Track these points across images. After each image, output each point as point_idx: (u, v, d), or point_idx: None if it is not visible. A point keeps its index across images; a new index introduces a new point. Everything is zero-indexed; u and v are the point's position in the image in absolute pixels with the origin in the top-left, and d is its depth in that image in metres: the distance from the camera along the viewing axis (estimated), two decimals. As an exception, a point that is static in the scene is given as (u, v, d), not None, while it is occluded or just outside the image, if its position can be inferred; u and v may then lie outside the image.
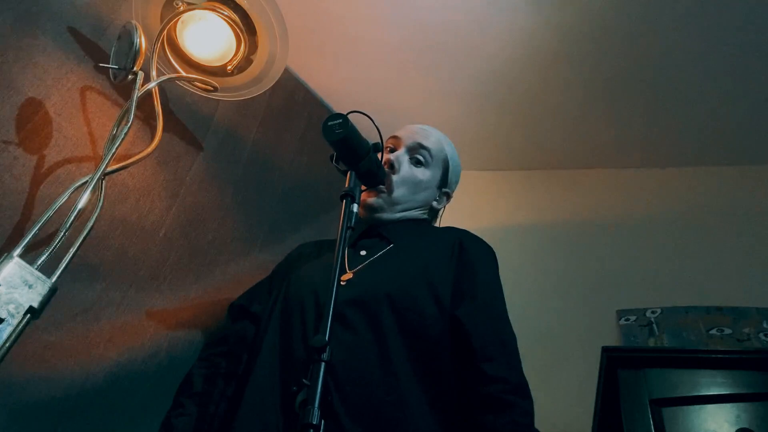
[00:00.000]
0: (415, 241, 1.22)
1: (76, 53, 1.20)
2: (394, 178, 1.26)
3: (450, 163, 1.37)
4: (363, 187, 0.97)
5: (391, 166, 1.28)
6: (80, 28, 1.22)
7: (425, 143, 1.32)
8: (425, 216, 1.36)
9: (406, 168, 1.29)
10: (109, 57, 1.20)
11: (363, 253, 1.20)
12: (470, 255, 1.19)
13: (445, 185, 1.37)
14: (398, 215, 1.28)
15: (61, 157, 1.13)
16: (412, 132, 1.35)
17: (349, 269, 1.15)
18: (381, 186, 1.22)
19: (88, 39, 1.24)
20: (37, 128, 1.10)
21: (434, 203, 1.35)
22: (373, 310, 1.04)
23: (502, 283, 1.21)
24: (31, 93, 1.10)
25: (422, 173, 1.30)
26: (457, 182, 1.43)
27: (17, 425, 0.96)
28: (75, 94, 1.18)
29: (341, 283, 1.09)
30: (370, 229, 1.26)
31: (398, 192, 1.26)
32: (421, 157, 1.31)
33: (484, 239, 1.27)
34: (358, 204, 0.92)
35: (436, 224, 1.40)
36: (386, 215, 1.27)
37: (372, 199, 1.26)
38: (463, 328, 1.04)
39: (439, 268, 1.14)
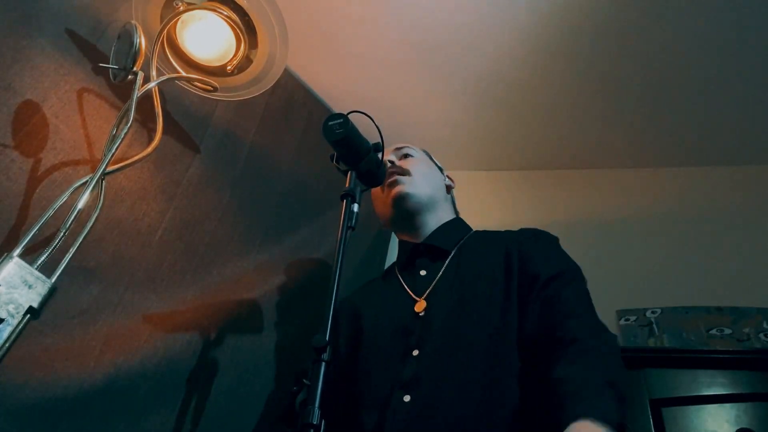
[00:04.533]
0: (470, 251, 1.23)
1: (74, 55, 1.20)
2: (402, 164, 1.33)
3: (429, 153, 1.49)
4: (366, 189, 0.98)
5: (391, 162, 1.34)
6: (78, 29, 1.22)
7: (402, 145, 1.44)
8: (452, 209, 1.40)
9: (405, 161, 1.37)
10: (107, 59, 1.20)
11: (423, 273, 1.21)
12: (528, 247, 1.18)
13: (440, 168, 1.47)
14: (427, 192, 1.31)
15: (58, 159, 1.13)
16: (388, 149, 1.43)
17: (417, 295, 1.16)
18: (395, 176, 1.29)
19: (86, 41, 1.23)
20: (35, 130, 1.10)
21: (446, 182, 1.43)
22: (463, 335, 1.05)
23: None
24: (28, 95, 1.10)
25: (418, 160, 1.39)
26: None
27: (15, 427, 0.96)
28: (72, 96, 1.18)
29: (419, 313, 1.11)
30: (417, 246, 1.27)
31: (415, 171, 1.32)
32: (407, 154, 1.40)
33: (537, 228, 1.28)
34: (359, 204, 0.92)
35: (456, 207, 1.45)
36: (420, 195, 1.29)
37: (400, 188, 1.28)
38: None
39: (501, 273, 1.13)
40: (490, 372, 0.99)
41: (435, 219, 1.31)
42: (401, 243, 1.36)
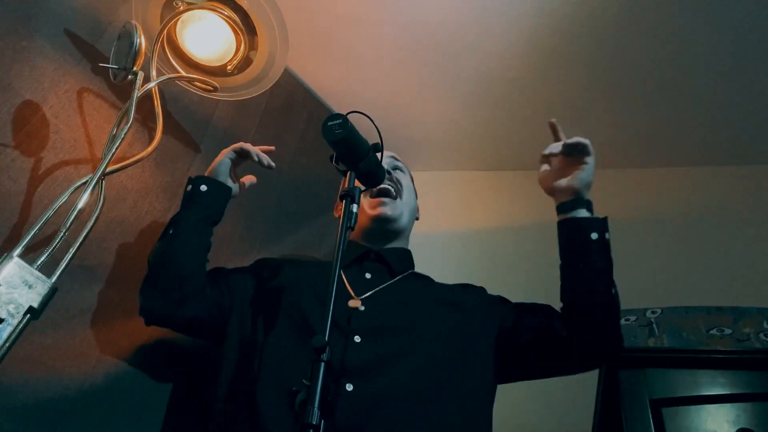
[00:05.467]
0: (419, 281, 1.28)
1: (73, 55, 1.20)
2: (397, 185, 1.33)
3: (410, 172, 1.47)
4: (361, 186, 0.97)
5: (388, 172, 1.32)
6: (78, 29, 1.22)
7: (395, 155, 1.43)
8: (408, 240, 1.39)
9: (398, 175, 1.37)
10: (106, 59, 1.20)
11: (368, 276, 1.22)
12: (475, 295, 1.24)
13: (416, 195, 1.45)
14: (406, 221, 1.33)
15: (58, 159, 1.13)
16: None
17: (355, 293, 1.16)
18: (385, 197, 1.29)
19: (85, 41, 1.23)
20: (35, 130, 1.10)
21: (416, 213, 1.42)
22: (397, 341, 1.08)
23: (501, 282, 1.32)
24: (28, 95, 1.10)
25: (407, 178, 1.40)
26: None
27: (15, 427, 0.96)
28: (72, 96, 1.18)
29: (355, 308, 1.12)
30: (369, 252, 1.28)
31: (404, 195, 1.34)
32: (399, 167, 1.40)
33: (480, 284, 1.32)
34: (358, 204, 0.92)
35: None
36: (401, 223, 1.31)
37: (387, 210, 1.28)
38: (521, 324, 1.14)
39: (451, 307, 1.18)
40: (441, 380, 1.03)
41: (397, 243, 1.33)
42: (351, 243, 1.32)
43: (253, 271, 1.26)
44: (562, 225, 1.13)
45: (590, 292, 1.06)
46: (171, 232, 1.15)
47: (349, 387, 0.98)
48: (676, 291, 1.81)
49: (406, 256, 1.33)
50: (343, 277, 1.20)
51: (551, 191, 1.15)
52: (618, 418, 1.23)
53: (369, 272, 1.23)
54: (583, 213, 1.11)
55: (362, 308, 1.12)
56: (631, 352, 1.39)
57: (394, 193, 1.30)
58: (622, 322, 1.80)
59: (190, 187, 1.20)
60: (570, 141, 1.11)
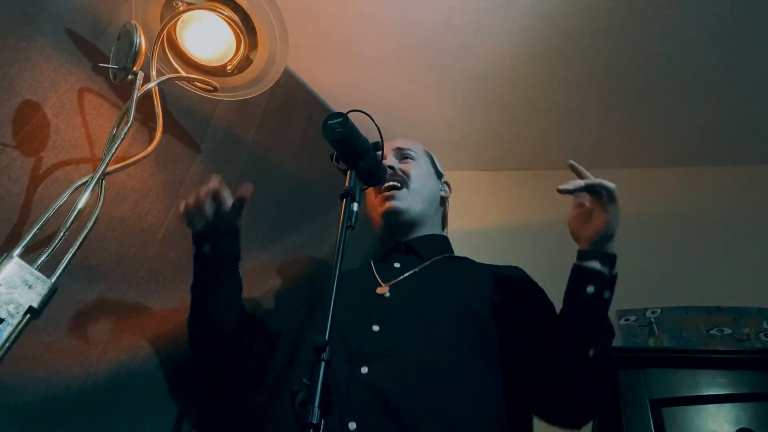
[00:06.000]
0: (450, 264, 1.26)
1: (74, 55, 1.20)
2: (402, 175, 1.33)
3: (432, 155, 1.47)
4: (363, 187, 0.97)
5: (389, 168, 1.32)
6: (78, 29, 1.22)
7: (404, 145, 1.41)
8: (440, 224, 1.40)
9: (405, 166, 1.36)
10: (107, 59, 1.20)
11: (397, 265, 1.24)
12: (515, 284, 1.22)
13: (440, 175, 1.45)
14: (420, 209, 1.31)
15: (58, 158, 1.13)
16: (388, 145, 1.41)
17: (384, 282, 1.18)
18: (394, 185, 1.29)
19: (86, 40, 1.23)
20: (35, 130, 1.10)
21: (442, 193, 1.42)
22: (421, 319, 1.08)
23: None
24: (28, 95, 1.10)
25: (419, 165, 1.38)
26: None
27: (16, 426, 0.96)
28: (73, 96, 1.18)
29: (382, 294, 1.14)
30: (399, 244, 1.29)
31: (413, 184, 1.32)
32: (409, 155, 1.39)
33: (511, 264, 1.30)
34: (359, 204, 0.92)
35: (446, 222, 1.46)
36: (413, 213, 1.30)
37: (394, 204, 1.29)
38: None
39: (478, 287, 1.16)
40: (453, 359, 1.02)
41: (423, 231, 1.33)
42: (382, 239, 1.38)
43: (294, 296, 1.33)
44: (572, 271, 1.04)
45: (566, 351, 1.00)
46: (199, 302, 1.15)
47: (364, 370, 1.00)
48: (676, 291, 1.81)
49: (438, 241, 1.33)
50: (374, 269, 1.24)
51: (575, 237, 1.05)
52: (618, 418, 1.23)
53: (398, 262, 1.24)
54: (595, 265, 0.99)
55: (388, 294, 1.14)
56: (631, 352, 1.40)
57: (399, 186, 1.31)
58: (622, 322, 1.81)
59: (195, 249, 1.16)
60: (592, 182, 0.99)
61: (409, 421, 0.92)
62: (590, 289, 0.97)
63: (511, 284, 1.19)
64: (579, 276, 1.00)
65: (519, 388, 1.05)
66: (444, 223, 1.44)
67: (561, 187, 1.00)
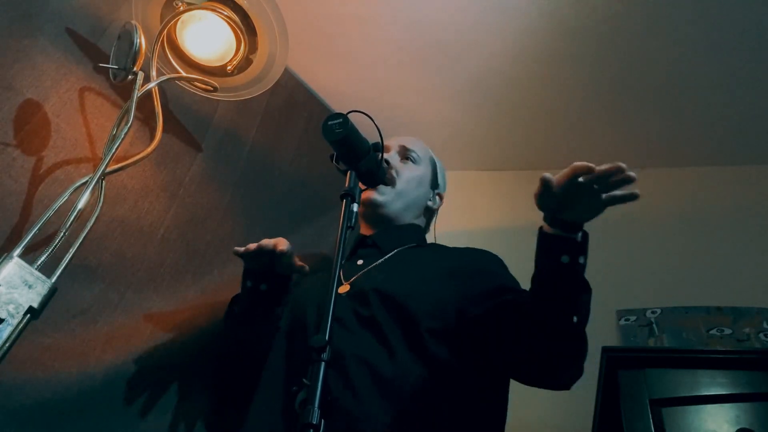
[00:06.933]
0: (411, 253, 1.26)
1: (74, 54, 1.20)
2: (393, 173, 1.33)
3: (437, 164, 1.47)
4: (362, 186, 0.97)
5: (385, 161, 1.31)
6: (79, 28, 1.22)
7: (410, 146, 1.41)
8: (419, 222, 1.40)
9: (401, 165, 1.37)
10: (107, 58, 1.20)
11: (360, 262, 1.24)
12: (478, 265, 1.21)
13: (436, 186, 1.45)
14: (398, 209, 1.32)
15: (59, 158, 1.13)
16: (396, 140, 1.43)
17: (346, 280, 1.18)
18: (381, 185, 1.27)
19: (86, 40, 1.23)
20: (36, 129, 1.10)
21: (429, 203, 1.41)
22: (371, 307, 1.07)
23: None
24: (29, 94, 1.10)
25: (416, 169, 1.38)
26: (445, 185, 1.50)
27: (15, 427, 0.96)
28: (73, 95, 1.18)
29: (342, 294, 1.14)
30: (365, 239, 1.31)
31: (401, 185, 1.33)
32: (410, 157, 1.39)
33: (485, 248, 1.30)
34: (359, 203, 0.92)
35: (431, 228, 1.46)
36: (389, 210, 1.31)
37: (374, 195, 1.29)
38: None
39: (440, 279, 1.14)
40: (401, 357, 1.01)
41: (399, 208, 1.33)
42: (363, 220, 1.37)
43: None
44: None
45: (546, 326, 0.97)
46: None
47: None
48: (676, 291, 1.81)
49: (401, 234, 1.32)
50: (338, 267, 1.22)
51: (547, 197, 0.94)
52: (618, 418, 1.23)
53: (362, 258, 1.25)
54: (567, 232, 0.94)
55: (345, 294, 1.13)
56: (630, 352, 1.39)
57: (386, 182, 1.30)
58: (622, 322, 1.81)
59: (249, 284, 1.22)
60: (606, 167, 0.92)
61: (358, 425, 0.92)
62: (565, 258, 0.93)
63: (477, 265, 1.19)
64: (551, 245, 0.95)
65: (493, 365, 1.05)
66: (425, 231, 1.44)
67: (629, 173, 0.92)
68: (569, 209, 0.93)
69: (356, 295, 1.12)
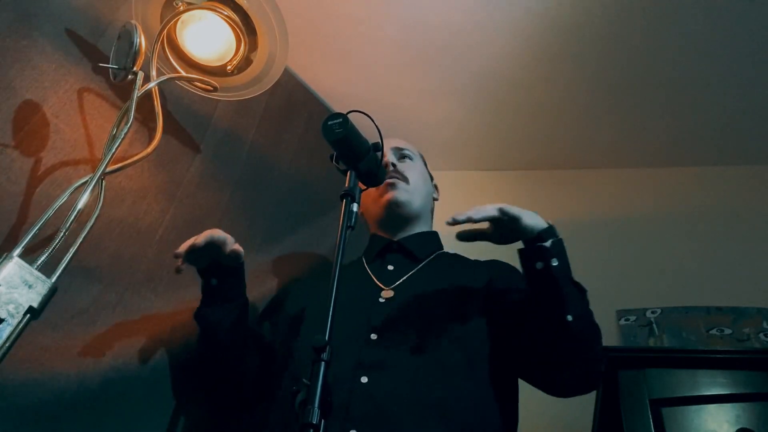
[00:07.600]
0: (445, 263, 1.28)
1: (74, 55, 1.20)
2: (400, 169, 1.35)
3: (424, 158, 1.50)
4: (362, 187, 0.97)
5: (392, 165, 1.35)
6: (78, 29, 1.22)
7: (402, 145, 1.44)
8: (430, 219, 1.43)
9: (403, 165, 1.38)
10: (107, 58, 1.20)
11: (391, 268, 1.24)
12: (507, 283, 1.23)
13: (431, 177, 1.49)
14: (419, 206, 1.34)
15: (58, 159, 1.12)
16: (386, 143, 1.43)
17: (385, 285, 1.19)
18: (394, 179, 1.30)
19: (86, 40, 1.23)
20: (35, 130, 1.10)
21: (434, 194, 1.46)
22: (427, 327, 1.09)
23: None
24: (28, 95, 1.10)
25: (416, 165, 1.41)
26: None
27: (14, 427, 0.96)
28: (73, 96, 1.18)
29: (380, 299, 1.15)
30: (390, 243, 1.31)
31: (413, 182, 1.34)
32: (406, 155, 1.42)
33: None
34: (359, 203, 0.92)
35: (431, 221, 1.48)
36: (412, 208, 1.32)
37: (397, 195, 1.30)
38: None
39: (474, 288, 1.18)
40: (451, 367, 1.03)
41: (416, 228, 1.35)
42: (373, 236, 1.39)
43: (281, 305, 1.34)
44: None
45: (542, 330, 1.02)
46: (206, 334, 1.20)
47: (365, 379, 1.00)
48: (676, 291, 1.81)
49: (430, 239, 1.35)
50: (369, 272, 1.24)
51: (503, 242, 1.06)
52: (618, 418, 1.23)
53: (391, 264, 1.25)
54: (537, 242, 1.02)
55: (384, 300, 1.15)
56: (631, 352, 1.40)
57: (401, 180, 1.33)
58: (622, 322, 1.81)
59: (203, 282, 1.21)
60: (484, 213, 1.01)
61: None
62: (539, 264, 1.00)
63: (505, 277, 1.21)
64: (525, 256, 1.04)
65: (513, 371, 1.09)
66: (432, 222, 1.46)
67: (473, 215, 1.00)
68: (513, 231, 1.03)
69: (404, 303, 1.13)
